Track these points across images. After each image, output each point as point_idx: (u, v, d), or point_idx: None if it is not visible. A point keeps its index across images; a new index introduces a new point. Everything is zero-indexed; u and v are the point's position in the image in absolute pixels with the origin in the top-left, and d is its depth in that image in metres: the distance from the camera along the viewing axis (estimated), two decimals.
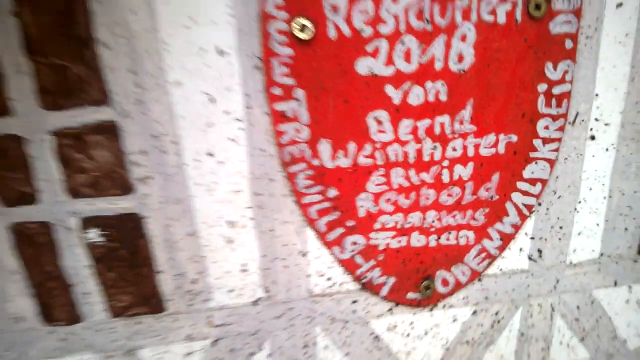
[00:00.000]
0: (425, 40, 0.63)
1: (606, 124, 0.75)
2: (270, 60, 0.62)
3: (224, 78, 0.62)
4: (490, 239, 0.78)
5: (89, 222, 0.66)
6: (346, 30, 0.61)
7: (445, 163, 0.71)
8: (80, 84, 0.60)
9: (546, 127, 0.72)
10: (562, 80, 0.69)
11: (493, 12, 0.63)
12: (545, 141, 0.72)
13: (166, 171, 0.65)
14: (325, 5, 0.60)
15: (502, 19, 0.63)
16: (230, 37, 0.60)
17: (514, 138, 0.71)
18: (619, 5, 0.67)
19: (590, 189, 0.78)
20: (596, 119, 0.74)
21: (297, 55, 0.62)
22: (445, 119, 0.68)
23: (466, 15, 0.63)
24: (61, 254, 0.67)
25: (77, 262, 0.68)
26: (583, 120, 0.73)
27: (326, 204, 0.70)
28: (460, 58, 0.65)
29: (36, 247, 0.67)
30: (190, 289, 0.72)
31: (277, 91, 0.63)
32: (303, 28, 0.60)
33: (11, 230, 0.65)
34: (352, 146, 0.68)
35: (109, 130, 0.62)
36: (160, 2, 0.58)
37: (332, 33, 0.61)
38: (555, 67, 0.68)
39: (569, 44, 0.67)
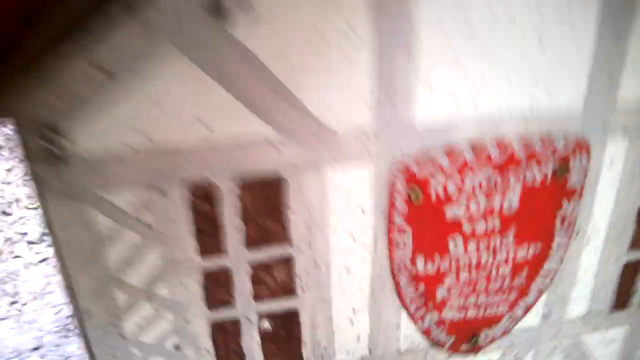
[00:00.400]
0: (490, 196, 0.97)
1: (598, 231, 1.11)
2: (392, 211, 0.94)
3: (362, 224, 0.93)
4: (519, 308, 1.14)
5: (264, 316, 0.97)
6: (442, 194, 0.94)
7: (495, 266, 1.05)
8: (273, 233, 0.90)
9: (559, 239, 1.07)
10: (572, 212, 1.04)
11: (533, 178, 0.97)
12: (558, 248, 1.08)
13: (318, 281, 0.96)
14: (431, 180, 0.92)
15: (538, 182, 0.97)
16: (369, 201, 0.91)
17: (539, 246, 1.06)
18: (611, 163, 1.02)
19: (585, 273, 1.15)
20: (592, 228, 1.10)
21: (409, 209, 0.94)
22: (497, 239, 1.02)
23: (516, 179, 0.96)
24: (241, 337, 0.98)
25: (251, 340, 0.99)
26: (583, 233, 1.09)
27: (416, 295, 1.04)
28: (510, 205, 0.99)
29: (226, 334, 0.97)
30: (321, 352, 1.04)
31: (394, 228, 0.95)
32: (415, 193, 0.92)
33: (211, 325, 0.96)
34: (437, 259, 1.01)
35: (287, 260, 0.93)
36: (332, 189, 0.88)
37: (433, 197, 0.93)
38: (569, 204, 1.03)
39: (579, 190, 1.02)
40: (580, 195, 1.02)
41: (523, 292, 1.12)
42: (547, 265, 1.10)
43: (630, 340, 1.30)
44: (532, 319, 1.17)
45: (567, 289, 1.16)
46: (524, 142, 0.93)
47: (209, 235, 0.87)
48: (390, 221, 0.94)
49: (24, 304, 2.94)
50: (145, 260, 0.86)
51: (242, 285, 0.93)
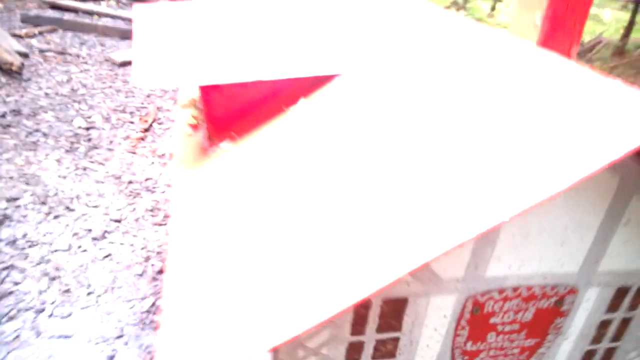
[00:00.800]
0: (516, 313, 1.62)
1: (573, 333, 1.78)
2: (461, 318, 1.58)
3: (443, 323, 1.58)
4: None
5: None
6: (491, 311, 1.59)
7: (511, 349, 1.72)
8: (393, 326, 1.53)
9: (550, 336, 1.74)
10: (560, 324, 1.71)
11: (542, 306, 1.63)
12: (548, 341, 1.75)
13: (409, 351, 1.60)
14: (486, 304, 1.57)
15: (544, 308, 1.63)
16: (450, 312, 1.56)
17: (538, 340, 1.73)
18: (588, 299, 1.69)
19: (561, 356, 1.83)
20: (570, 331, 1.77)
21: (471, 317, 1.59)
22: (515, 335, 1.68)
23: (532, 306, 1.62)
24: None
25: None
26: (564, 333, 1.76)
27: None
28: (527, 318, 1.65)
29: None
30: None
31: (459, 327, 1.60)
32: (477, 309, 1.57)
33: None
34: (479, 343, 1.66)
35: (396, 339, 1.56)
36: (431, 305, 1.52)
37: (485, 312, 1.58)
38: (559, 320, 1.70)
39: (567, 313, 1.69)
40: (567, 315, 1.69)
41: None
42: (540, 350, 1.77)
43: None
44: None
45: None
46: (542, 288, 1.58)
47: (359, 324, 1.50)
48: (458, 323, 1.59)
49: (99, 296, 3.46)
50: (320, 335, 1.49)
51: (368, 351, 1.57)
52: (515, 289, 1.57)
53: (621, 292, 1.69)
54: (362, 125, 1.54)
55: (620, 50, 9.57)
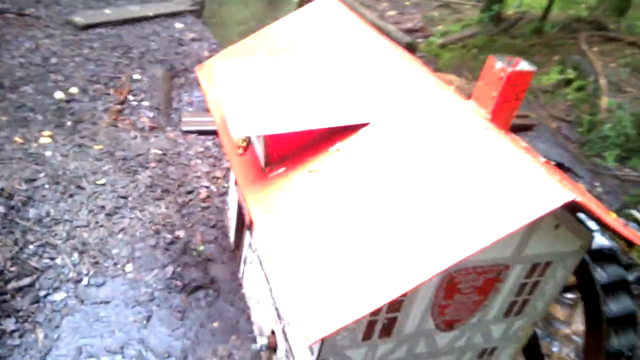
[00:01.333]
0: (475, 280, 2.57)
1: (505, 290, 2.78)
2: (441, 286, 2.50)
3: (430, 290, 2.48)
4: (470, 317, 2.80)
5: (389, 314, 2.50)
6: (458, 280, 2.52)
7: (468, 302, 2.69)
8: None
9: (491, 295, 2.73)
10: (499, 286, 2.69)
11: (489, 276, 2.59)
12: (489, 297, 2.74)
13: (410, 304, 2.51)
14: (457, 277, 2.49)
15: (490, 277, 2.60)
16: (435, 282, 2.46)
17: (484, 296, 2.72)
18: (514, 270, 2.68)
19: (499, 305, 2.84)
20: (503, 290, 2.77)
21: (447, 285, 2.51)
22: (472, 294, 2.65)
23: (483, 277, 2.57)
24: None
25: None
26: (499, 291, 2.76)
27: (438, 311, 2.64)
28: (481, 284, 2.60)
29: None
30: None
31: (439, 292, 2.52)
32: (451, 281, 2.49)
33: (367, 320, 2.46)
34: (450, 300, 2.61)
35: (401, 301, 2.45)
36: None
37: (455, 281, 2.51)
38: (499, 284, 2.67)
39: (503, 280, 2.67)
40: (502, 281, 2.68)
41: (472, 311, 2.79)
42: (484, 302, 2.77)
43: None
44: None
45: (490, 310, 2.85)
46: (489, 266, 2.53)
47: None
48: (439, 289, 2.51)
49: (123, 266, 4.08)
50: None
51: (385, 308, 2.44)
52: (474, 268, 2.50)
53: (534, 267, 2.70)
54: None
55: (539, 28, 10.74)
